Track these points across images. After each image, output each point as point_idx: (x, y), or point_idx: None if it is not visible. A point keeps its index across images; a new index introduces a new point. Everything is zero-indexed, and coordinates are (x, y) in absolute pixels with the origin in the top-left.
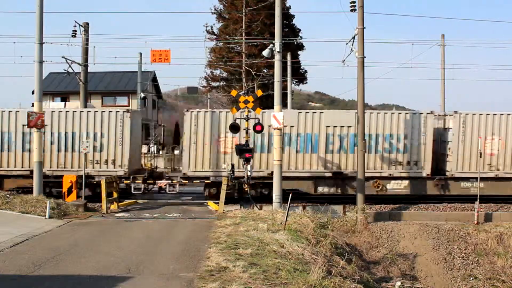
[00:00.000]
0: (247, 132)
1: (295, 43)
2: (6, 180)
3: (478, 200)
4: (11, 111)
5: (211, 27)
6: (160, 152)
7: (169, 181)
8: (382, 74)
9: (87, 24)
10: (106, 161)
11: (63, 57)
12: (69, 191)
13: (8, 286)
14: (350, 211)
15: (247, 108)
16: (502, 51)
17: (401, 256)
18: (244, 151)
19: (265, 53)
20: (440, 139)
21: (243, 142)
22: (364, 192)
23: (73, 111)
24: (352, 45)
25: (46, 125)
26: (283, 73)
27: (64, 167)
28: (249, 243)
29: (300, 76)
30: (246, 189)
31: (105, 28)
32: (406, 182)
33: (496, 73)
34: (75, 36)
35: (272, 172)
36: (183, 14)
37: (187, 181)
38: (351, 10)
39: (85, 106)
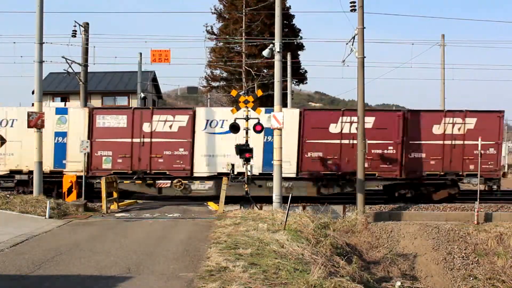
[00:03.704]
0: (247, 132)
1: (295, 43)
2: None
3: (478, 200)
4: None
5: (211, 27)
6: None
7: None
8: (382, 74)
9: (87, 24)
10: None
11: (63, 57)
12: (69, 191)
13: (8, 286)
14: (350, 211)
15: (247, 108)
16: (502, 51)
17: (401, 256)
18: (244, 151)
19: (265, 53)
20: None
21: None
22: (364, 192)
23: None
24: (352, 45)
25: None
26: (283, 73)
27: None
28: (249, 243)
29: (300, 76)
30: (246, 189)
31: (105, 28)
32: None
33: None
34: (75, 36)
35: None
36: (183, 14)
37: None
38: (351, 10)
39: (85, 106)
